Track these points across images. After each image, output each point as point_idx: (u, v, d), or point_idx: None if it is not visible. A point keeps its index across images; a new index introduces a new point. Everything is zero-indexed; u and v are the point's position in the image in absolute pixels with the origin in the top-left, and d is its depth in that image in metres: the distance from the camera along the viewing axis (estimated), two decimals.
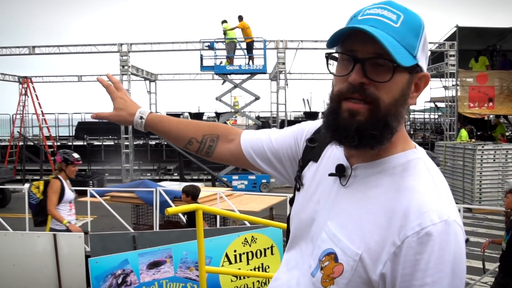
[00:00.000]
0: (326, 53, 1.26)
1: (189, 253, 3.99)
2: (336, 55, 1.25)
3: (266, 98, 25.04)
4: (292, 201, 1.53)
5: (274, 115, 20.90)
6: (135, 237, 4.47)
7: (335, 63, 1.26)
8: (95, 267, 3.69)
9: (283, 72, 19.41)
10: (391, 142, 1.21)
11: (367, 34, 1.12)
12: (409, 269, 1.08)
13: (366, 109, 1.16)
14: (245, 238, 4.23)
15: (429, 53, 1.24)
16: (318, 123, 1.52)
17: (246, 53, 18.38)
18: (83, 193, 8.73)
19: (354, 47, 1.18)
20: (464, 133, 16.64)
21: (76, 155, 6.23)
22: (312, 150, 1.47)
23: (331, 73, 1.25)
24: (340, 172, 1.28)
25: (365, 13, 1.19)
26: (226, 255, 4.16)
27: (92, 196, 8.36)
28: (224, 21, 18.46)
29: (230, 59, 18.56)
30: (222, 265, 4.13)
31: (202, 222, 3.39)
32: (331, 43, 1.21)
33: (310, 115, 25.30)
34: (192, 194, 6.70)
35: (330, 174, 1.31)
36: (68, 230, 5.63)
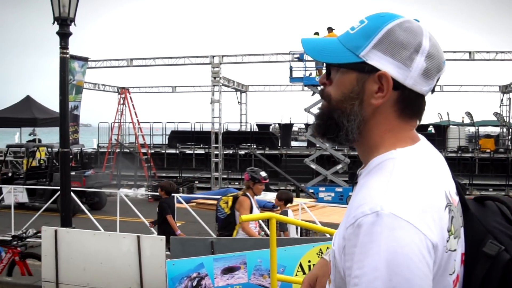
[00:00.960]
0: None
1: (263, 261, 4.03)
2: None
3: None
4: None
5: None
6: (213, 243, 4.58)
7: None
8: (172, 269, 3.83)
9: None
10: (355, 142, 1.27)
11: None
12: (349, 262, 1.07)
13: (325, 105, 1.29)
14: (320, 249, 4.21)
15: (408, 54, 1.16)
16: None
17: None
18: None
19: None
20: None
21: (263, 173, 6.26)
22: None
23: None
24: (354, 179, 1.32)
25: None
26: (300, 265, 4.17)
27: (179, 202, 8.65)
28: (316, 33, 18.52)
29: (319, 71, 18.55)
30: (296, 275, 4.13)
31: (275, 230, 3.43)
32: None
33: None
34: (285, 199, 7.05)
35: (353, 183, 1.36)
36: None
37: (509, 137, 27.37)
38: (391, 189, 1.10)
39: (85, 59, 14.36)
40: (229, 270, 3.97)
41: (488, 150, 23.46)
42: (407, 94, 1.21)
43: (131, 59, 21.40)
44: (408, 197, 1.09)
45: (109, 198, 15.35)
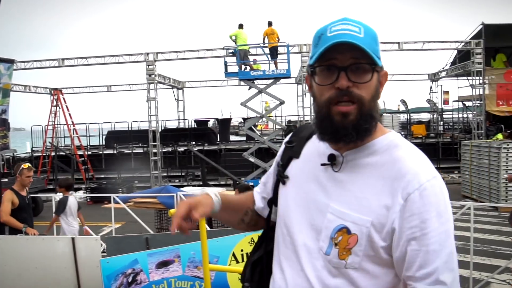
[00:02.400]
0: (311, 68, 1.47)
1: (197, 253, 4.14)
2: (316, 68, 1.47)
3: (294, 102, 25.16)
4: (272, 202, 1.74)
5: (301, 119, 21.01)
6: (148, 239, 4.65)
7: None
8: (107, 266, 3.88)
9: None
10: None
11: (344, 45, 1.37)
12: (417, 221, 1.33)
13: (354, 108, 1.40)
14: (252, 238, 4.36)
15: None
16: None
17: (270, 58, 18.48)
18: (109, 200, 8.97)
19: (333, 58, 1.40)
20: (500, 136, 16.34)
21: None
22: (292, 149, 1.69)
23: (318, 84, 1.45)
24: (332, 160, 1.50)
25: (333, 30, 1.41)
26: (233, 255, 4.30)
27: (116, 202, 8.60)
28: (240, 26, 18.60)
29: (250, 66, 18.70)
30: (230, 264, 4.26)
31: (204, 222, 3.53)
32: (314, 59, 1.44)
33: None
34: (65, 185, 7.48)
35: (323, 164, 1.52)
36: None
37: (440, 122, 28.51)
38: (424, 159, 1.43)
39: (11, 61, 13.88)
40: (163, 264, 4.05)
41: (420, 136, 24.44)
42: None
43: (63, 59, 20.85)
44: (430, 162, 1.44)
45: (46, 204, 14.99)
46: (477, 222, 10.62)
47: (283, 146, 1.75)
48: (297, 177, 1.61)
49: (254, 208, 1.85)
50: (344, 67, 1.39)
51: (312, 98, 1.52)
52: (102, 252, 5.31)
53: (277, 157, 1.77)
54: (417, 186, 1.34)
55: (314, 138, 1.60)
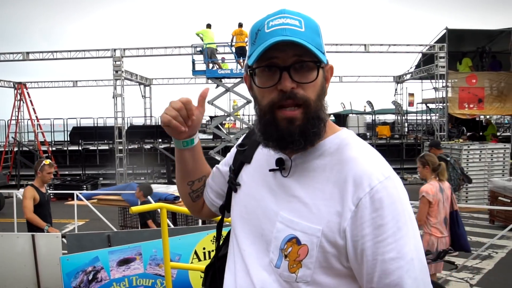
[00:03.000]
0: (250, 70, 1.35)
1: (159, 251, 4.15)
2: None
3: None
4: (225, 208, 1.64)
5: None
6: (110, 236, 4.63)
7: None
8: (66, 264, 3.86)
9: None
10: None
11: (283, 43, 1.25)
12: (369, 228, 1.21)
13: (300, 113, 1.28)
14: (214, 236, 4.39)
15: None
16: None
17: (237, 57, 18.51)
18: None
19: (274, 57, 1.28)
20: (459, 141, 16.66)
21: None
22: (243, 153, 1.58)
23: (258, 87, 1.33)
24: (281, 165, 1.39)
25: (271, 25, 1.29)
26: (195, 253, 4.33)
27: (80, 199, 8.52)
28: (208, 25, 18.65)
29: (217, 64, 18.75)
30: (192, 262, 4.29)
31: (166, 219, 3.56)
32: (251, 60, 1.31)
33: None
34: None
35: (271, 170, 1.41)
36: None
37: (404, 123, 28.98)
38: (378, 158, 1.33)
39: None
40: (124, 262, 4.05)
41: (385, 136, 24.82)
42: None
43: (27, 53, 20.41)
44: (385, 161, 1.33)
45: (7, 200, 14.71)
46: None
47: (234, 149, 1.65)
48: (249, 184, 1.50)
49: (207, 184, 1.73)
50: (286, 67, 1.27)
51: (253, 100, 1.39)
52: (63, 250, 5.25)
53: (228, 159, 1.67)
54: (367, 190, 1.23)
55: None
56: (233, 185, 1.55)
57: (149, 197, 7.85)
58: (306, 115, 1.28)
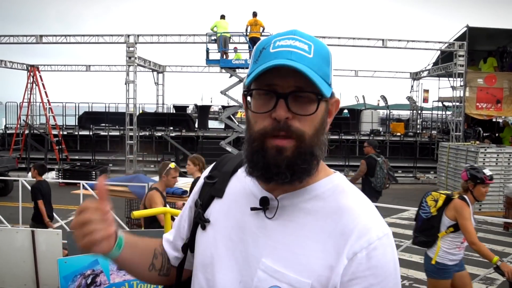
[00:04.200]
0: (244, 91, 1.21)
1: None
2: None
3: None
4: (188, 246, 1.44)
5: None
6: None
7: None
8: (64, 266, 3.67)
9: None
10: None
11: (286, 68, 1.11)
12: (360, 285, 1.11)
13: (292, 144, 1.14)
14: None
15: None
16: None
17: (251, 48, 18.29)
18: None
19: (273, 81, 1.14)
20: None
21: (487, 172, 4.86)
22: (213, 186, 1.40)
23: (252, 111, 1.19)
24: (265, 205, 1.23)
25: (277, 45, 1.16)
26: None
27: (85, 189, 8.36)
28: (222, 17, 18.54)
29: (224, 53, 18.56)
30: None
31: (169, 224, 3.35)
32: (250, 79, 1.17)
33: None
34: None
35: (253, 208, 1.24)
36: None
37: (419, 121, 28.64)
38: (374, 211, 1.21)
39: None
40: None
41: (398, 134, 24.49)
42: None
43: (41, 36, 20.29)
44: (379, 213, 1.22)
45: (16, 183, 14.66)
46: None
47: (201, 181, 1.46)
48: (221, 222, 1.31)
49: (165, 251, 1.52)
50: (283, 94, 1.13)
51: (246, 124, 1.25)
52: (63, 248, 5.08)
53: (194, 194, 1.47)
54: (365, 245, 1.12)
55: (240, 173, 1.35)
56: (201, 221, 1.36)
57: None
58: (298, 148, 1.14)
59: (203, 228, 1.35)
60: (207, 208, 1.38)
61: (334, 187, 1.23)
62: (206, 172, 1.49)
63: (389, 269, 1.13)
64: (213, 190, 1.40)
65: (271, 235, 1.20)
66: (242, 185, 1.31)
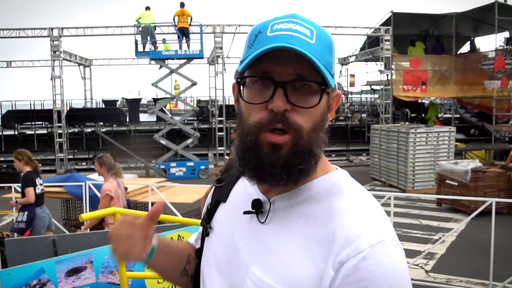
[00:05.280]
0: (238, 78, 1.09)
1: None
2: (247, 79, 1.08)
3: (206, 83, 24.75)
4: (200, 252, 1.36)
5: (213, 100, 20.75)
6: (55, 241, 4.22)
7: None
8: (7, 279, 3.44)
9: (221, 56, 19.18)
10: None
11: (287, 52, 0.99)
12: None
13: (288, 140, 1.03)
14: (171, 238, 4.07)
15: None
16: None
17: (181, 38, 17.99)
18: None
19: (271, 68, 1.03)
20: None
21: None
22: (220, 190, 1.33)
23: (245, 102, 1.07)
24: (257, 208, 1.14)
25: (275, 29, 1.03)
26: None
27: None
28: (147, 8, 18.20)
29: (152, 44, 18.24)
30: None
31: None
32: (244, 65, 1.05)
33: None
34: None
35: (246, 212, 1.15)
36: None
37: (348, 105, 29.26)
38: (375, 213, 1.06)
39: None
40: (74, 272, 3.67)
41: (330, 118, 24.91)
42: None
43: None
44: (385, 218, 1.07)
45: None
46: (384, 205, 10.93)
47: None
48: (222, 227, 1.25)
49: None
50: (283, 83, 1.01)
51: (238, 115, 1.12)
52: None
53: (208, 199, 1.40)
54: (353, 254, 0.96)
55: None
56: (204, 228, 1.31)
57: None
58: (295, 146, 1.03)
59: (207, 234, 1.30)
60: (214, 213, 1.32)
61: (330, 186, 1.11)
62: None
63: (385, 284, 0.95)
64: (219, 194, 1.33)
65: (262, 240, 1.11)
66: (245, 189, 1.23)
